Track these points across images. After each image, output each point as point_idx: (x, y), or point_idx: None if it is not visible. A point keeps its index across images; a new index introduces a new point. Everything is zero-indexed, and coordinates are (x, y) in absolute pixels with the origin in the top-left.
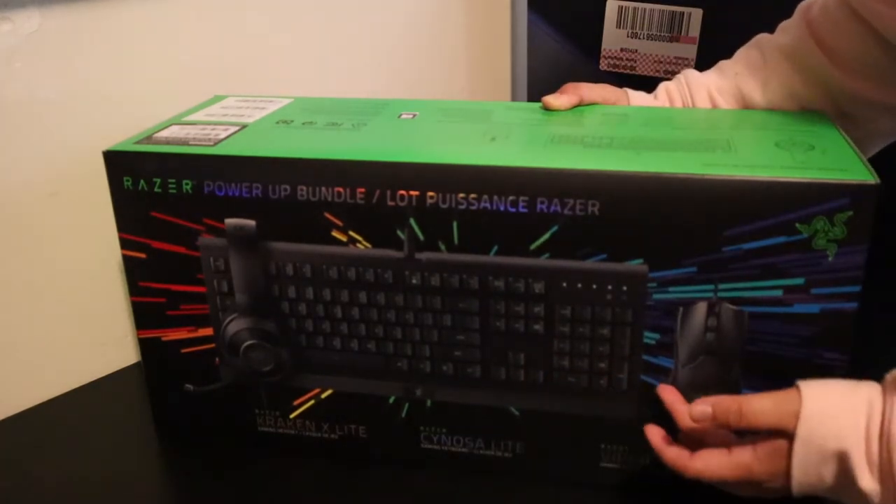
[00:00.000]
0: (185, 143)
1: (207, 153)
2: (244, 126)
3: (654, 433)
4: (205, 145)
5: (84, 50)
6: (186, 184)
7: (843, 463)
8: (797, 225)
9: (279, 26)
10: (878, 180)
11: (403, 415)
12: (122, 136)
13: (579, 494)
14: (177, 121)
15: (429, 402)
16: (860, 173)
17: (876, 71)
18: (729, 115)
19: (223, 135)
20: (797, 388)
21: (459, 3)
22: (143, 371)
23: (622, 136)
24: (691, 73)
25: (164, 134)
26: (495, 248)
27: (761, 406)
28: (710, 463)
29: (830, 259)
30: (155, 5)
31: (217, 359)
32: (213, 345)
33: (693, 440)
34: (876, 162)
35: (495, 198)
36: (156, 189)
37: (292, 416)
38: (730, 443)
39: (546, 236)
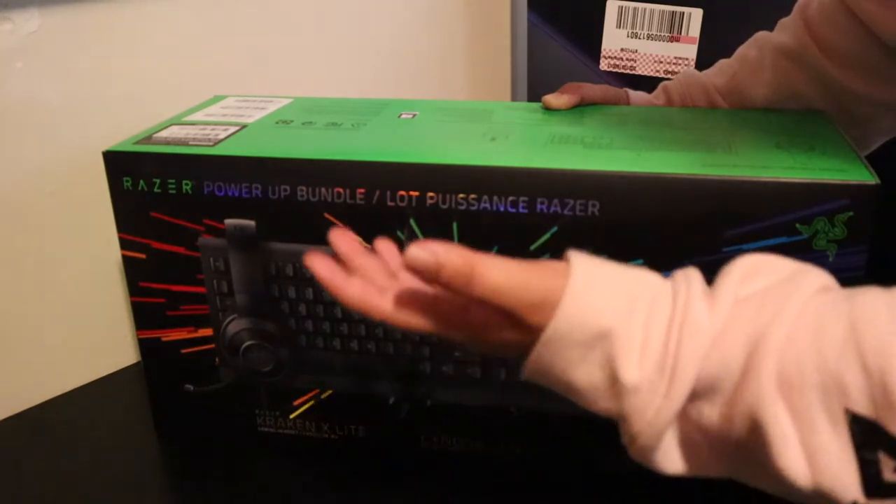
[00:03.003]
0: (184, 143)
1: (207, 153)
2: (244, 126)
3: (319, 263)
4: (204, 145)
5: (84, 50)
6: (186, 184)
7: (604, 351)
8: (797, 225)
9: (279, 26)
10: (878, 180)
11: (403, 415)
12: (122, 136)
13: (579, 495)
14: (176, 121)
15: (429, 402)
16: (860, 174)
17: (874, 69)
18: (729, 115)
19: (223, 135)
20: (564, 276)
21: (459, 3)
22: (143, 371)
23: (622, 136)
24: (691, 73)
25: (164, 134)
26: (495, 248)
27: (502, 284)
28: (408, 305)
29: (831, 260)
30: (155, 5)
31: (217, 359)
32: (213, 345)
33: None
34: (876, 162)
35: (495, 198)
36: (155, 189)
37: (292, 416)
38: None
39: (546, 236)
